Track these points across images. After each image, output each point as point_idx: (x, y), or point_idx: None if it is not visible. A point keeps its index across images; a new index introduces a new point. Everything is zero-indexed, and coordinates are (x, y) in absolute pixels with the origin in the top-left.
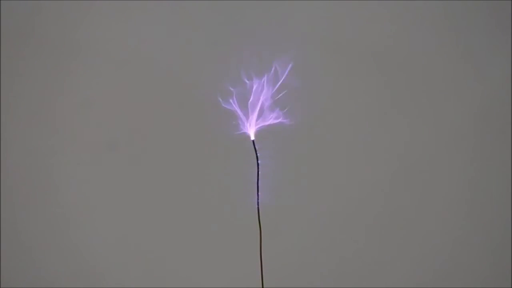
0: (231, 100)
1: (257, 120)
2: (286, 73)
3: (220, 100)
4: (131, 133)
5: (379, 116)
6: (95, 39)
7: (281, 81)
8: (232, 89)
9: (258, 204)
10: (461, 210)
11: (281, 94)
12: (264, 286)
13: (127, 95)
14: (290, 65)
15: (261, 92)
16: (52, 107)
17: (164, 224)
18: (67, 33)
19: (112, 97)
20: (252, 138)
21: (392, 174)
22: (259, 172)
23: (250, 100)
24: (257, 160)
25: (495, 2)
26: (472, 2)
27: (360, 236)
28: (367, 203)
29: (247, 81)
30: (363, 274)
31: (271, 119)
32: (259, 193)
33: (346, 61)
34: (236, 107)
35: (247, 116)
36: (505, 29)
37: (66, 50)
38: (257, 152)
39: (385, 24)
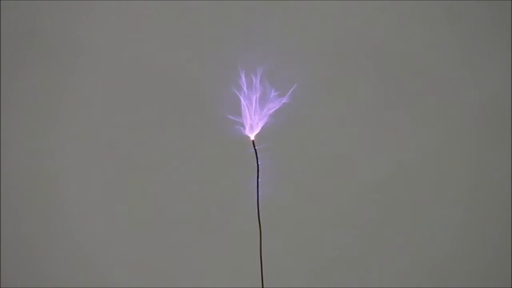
0: (231, 101)
1: (257, 120)
2: (285, 72)
3: (220, 100)
4: (131, 133)
5: (379, 117)
6: (96, 39)
7: (280, 81)
8: (232, 89)
9: (258, 204)
10: (460, 211)
11: (280, 94)
12: (264, 286)
13: (128, 95)
14: (289, 65)
15: (261, 93)
16: (52, 107)
17: (164, 223)
18: (68, 33)
19: (112, 97)
20: (252, 138)
21: (391, 175)
22: (259, 172)
23: (250, 100)
24: (257, 160)
25: (495, 2)
26: (472, 2)
27: (359, 235)
28: (367, 203)
29: (246, 82)
30: (364, 273)
31: (270, 119)
32: (259, 193)
33: (346, 62)
34: (236, 108)
35: (247, 116)
36: (505, 29)
37: (67, 50)
38: (257, 152)
39: (385, 25)
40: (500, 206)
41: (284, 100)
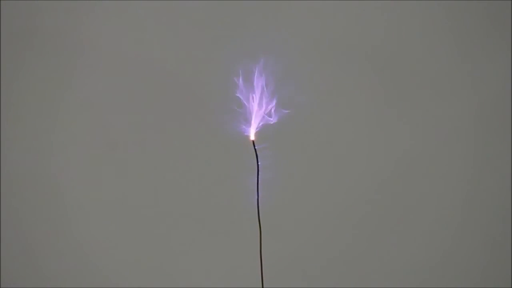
0: (231, 101)
1: (257, 120)
2: (284, 72)
3: (221, 100)
4: (131, 133)
5: (379, 117)
6: (96, 39)
7: (280, 81)
8: (232, 90)
9: (258, 204)
10: (460, 210)
11: (280, 94)
12: (264, 286)
13: (128, 95)
14: (289, 65)
15: (261, 92)
16: (53, 107)
17: (164, 224)
18: (68, 33)
19: (112, 97)
20: (252, 138)
21: (391, 174)
22: (259, 172)
23: (250, 100)
24: (257, 160)
25: (495, 2)
26: (472, 2)
27: (359, 235)
28: (367, 203)
29: (246, 82)
30: (364, 273)
31: (271, 119)
32: (259, 193)
33: (345, 62)
34: (236, 108)
35: (246, 116)
36: (505, 29)
37: (67, 51)
38: (257, 152)
39: (384, 25)
40: (500, 206)
41: (284, 102)
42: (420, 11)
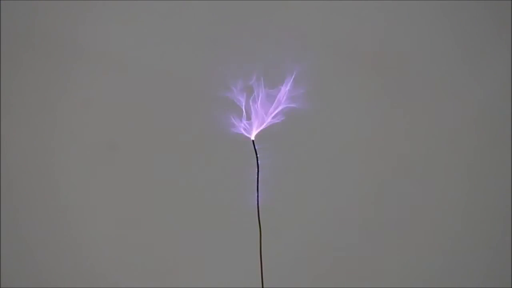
0: (231, 101)
1: (257, 120)
2: (284, 73)
3: (221, 100)
4: (131, 133)
5: (379, 117)
6: (96, 39)
7: (280, 81)
8: (232, 89)
9: (258, 204)
10: (461, 211)
11: (281, 94)
12: (264, 286)
13: (127, 95)
14: (289, 65)
15: (262, 92)
16: (53, 107)
17: (164, 224)
18: (67, 33)
19: (112, 97)
20: (252, 138)
21: (392, 175)
22: (259, 172)
23: (251, 100)
24: (257, 160)
25: (495, 2)
26: (472, 2)
27: (359, 235)
28: (366, 203)
29: (247, 82)
30: (363, 274)
31: (271, 119)
32: (259, 193)
33: (346, 62)
34: (236, 108)
35: (247, 116)
36: (505, 29)
37: (67, 51)
38: (257, 152)
39: (384, 25)
40: (500, 206)
41: (284, 102)
42: (421, 11)
